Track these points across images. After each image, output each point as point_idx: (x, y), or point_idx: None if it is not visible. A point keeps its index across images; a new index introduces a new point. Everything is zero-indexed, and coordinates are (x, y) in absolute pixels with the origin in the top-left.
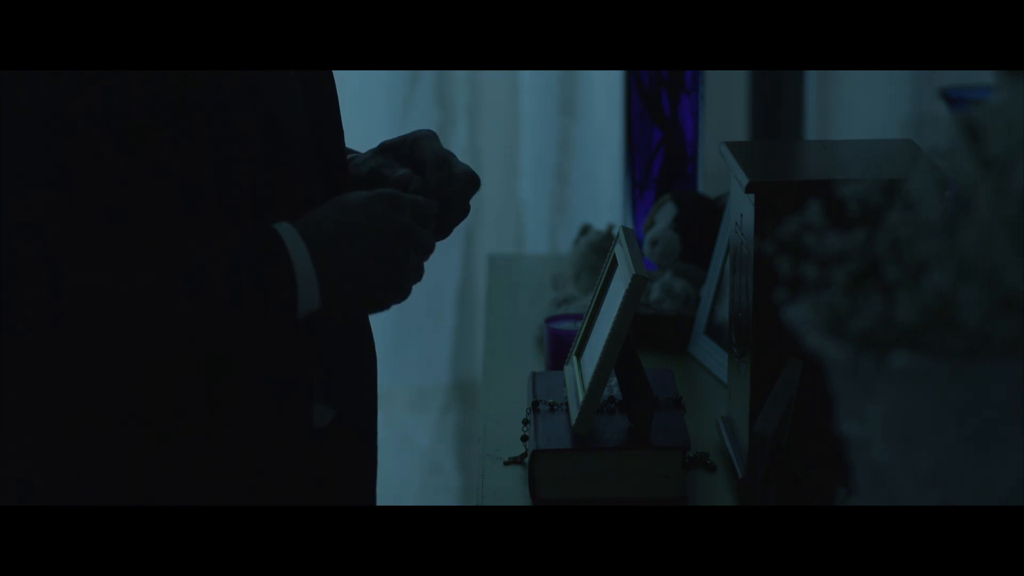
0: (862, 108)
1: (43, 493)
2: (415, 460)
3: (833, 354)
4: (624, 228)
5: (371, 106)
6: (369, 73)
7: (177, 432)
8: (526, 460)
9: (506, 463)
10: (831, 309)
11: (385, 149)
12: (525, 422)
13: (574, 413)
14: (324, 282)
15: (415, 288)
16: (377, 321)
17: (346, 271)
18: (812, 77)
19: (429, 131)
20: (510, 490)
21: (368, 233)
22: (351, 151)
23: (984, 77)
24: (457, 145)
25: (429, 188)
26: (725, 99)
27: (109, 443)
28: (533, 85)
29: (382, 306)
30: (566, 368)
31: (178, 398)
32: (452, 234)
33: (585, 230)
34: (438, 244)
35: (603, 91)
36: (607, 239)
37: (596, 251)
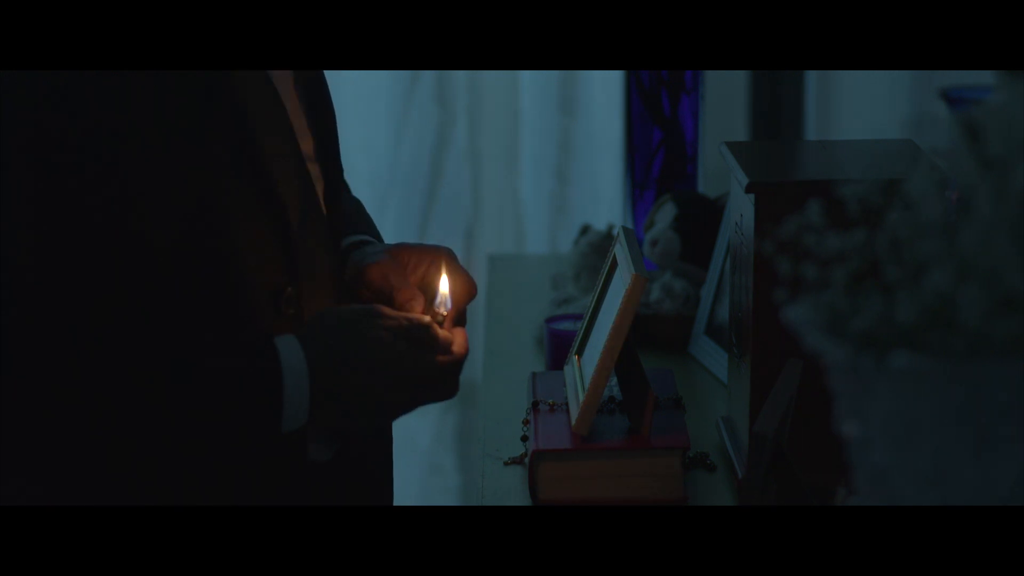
0: (862, 108)
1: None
2: (415, 460)
3: (833, 354)
4: (624, 228)
5: (371, 106)
6: (369, 73)
7: (161, 462)
8: (526, 460)
9: (506, 463)
10: (831, 309)
11: (399, 253)
12: (525, 422)
13: (574, 413)
14: (315, 407)
15: None
16: None
17: (343, 403)
18: (812, 77)
19: (449, 250)
20: (510, 490)
21: (369, 365)
22: (361, 229)
23: (984, 77)
24: (457, 145)
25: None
26: (725, 99)
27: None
28: (533, 85)
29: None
30: (566, 368)
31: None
32: (452, 233)
33: (585, 230)
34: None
35: (603, 91)
36: (607, 239)
37: (596, 251)
